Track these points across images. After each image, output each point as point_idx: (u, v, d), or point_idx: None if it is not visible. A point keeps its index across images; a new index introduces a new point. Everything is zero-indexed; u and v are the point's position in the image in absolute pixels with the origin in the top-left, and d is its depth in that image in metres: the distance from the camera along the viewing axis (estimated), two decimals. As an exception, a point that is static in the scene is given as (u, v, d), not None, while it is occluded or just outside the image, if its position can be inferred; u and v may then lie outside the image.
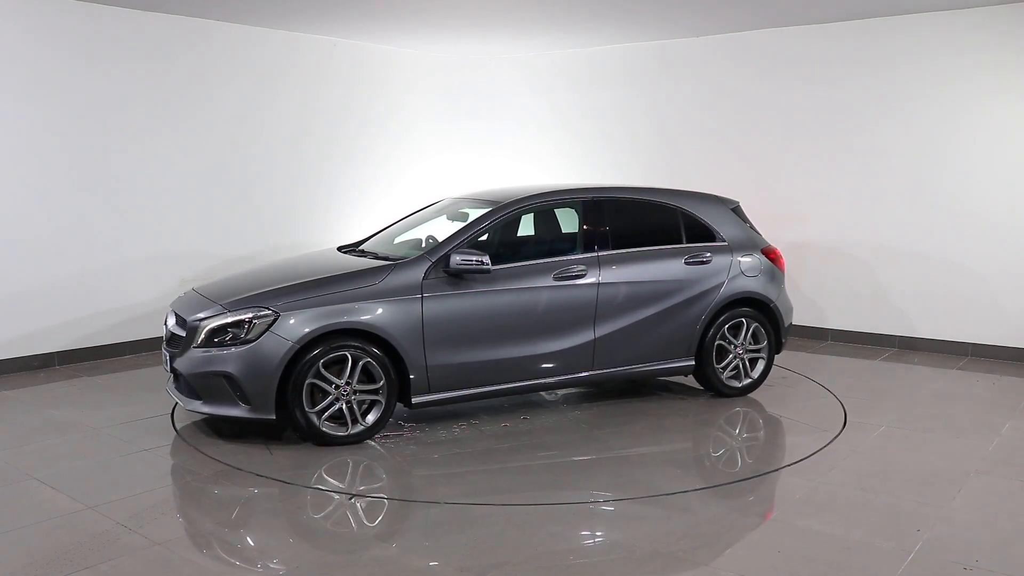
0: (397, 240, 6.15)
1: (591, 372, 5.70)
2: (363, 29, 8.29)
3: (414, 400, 5.22)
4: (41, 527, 3.96)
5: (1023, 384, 6.61)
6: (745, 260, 6.09)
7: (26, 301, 6.89)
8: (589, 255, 5.68)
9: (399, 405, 5.33)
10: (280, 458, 4.91)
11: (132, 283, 7.49)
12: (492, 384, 5.45)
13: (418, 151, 9.80)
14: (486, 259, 5.21)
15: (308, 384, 4.91)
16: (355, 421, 5.06)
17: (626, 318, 5.72)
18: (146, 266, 7.57)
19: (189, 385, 5.09)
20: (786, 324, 6.29)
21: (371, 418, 5.10)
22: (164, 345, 5.40)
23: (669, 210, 6.08)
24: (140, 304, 7.55)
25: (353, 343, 4.99)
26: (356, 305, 5.02)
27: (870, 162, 7.84)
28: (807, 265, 8.13)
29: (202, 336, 4.99)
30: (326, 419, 4.99)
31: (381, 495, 4.39)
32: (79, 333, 7.22)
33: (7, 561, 3.62)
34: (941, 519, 4.06)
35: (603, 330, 5.65)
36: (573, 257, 5.66)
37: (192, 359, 5.01)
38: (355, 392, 5.03)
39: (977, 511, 4.17)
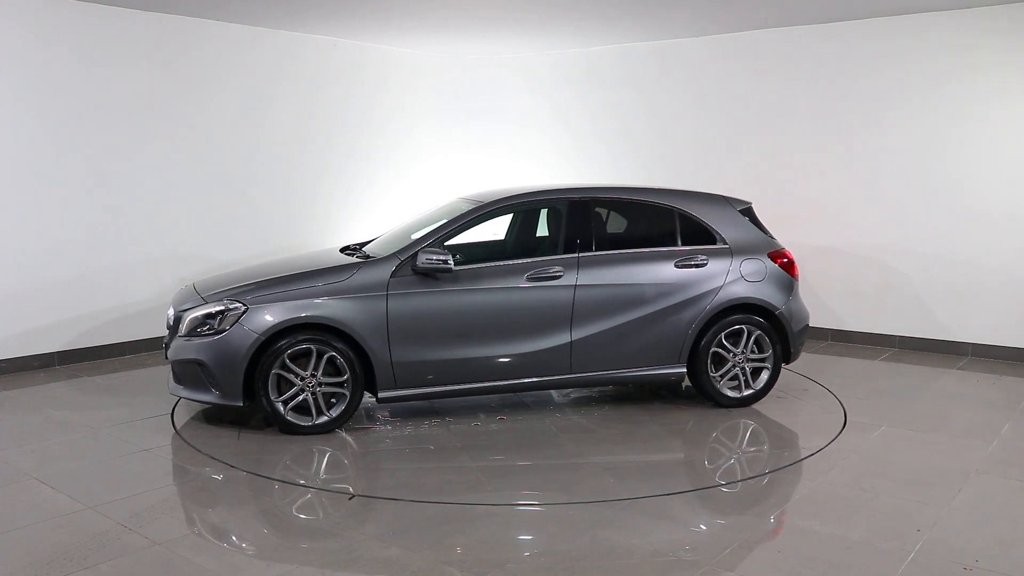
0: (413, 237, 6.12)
1: (569, 375, 5.60)
2: (363, 29, 8.30)
3: (380, 395, 5.38)
4: (41, 527, 3.96)
5: (1023, 384, 6.62)
6: (747, 264, 5.80)
7: (26, 301, 6.89)
8: (568, 256, 5.59)
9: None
10: (269, 451, 4.94)
11: (132, 283, 7.50)
12: (461, 383, 5.47)
13: (418, 151, 9.80)
14: (449, 259, 5.28)
15: (274, 375, 5.15)
16: (320, 412, 5.25)
17: (606, 321, 5.57)
18: (146, 266, 7.57)
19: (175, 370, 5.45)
20: (796, 333, 5.92)
21: (336, 410, 5.28)
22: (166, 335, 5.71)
23: (664, 211, 5.89)
24: (140, 304, 7.55)
25: (318, 337, 5.18)
26: (321, 300, 5.21)
27: (870, 162, 7.84)
28: (806, 265, 8.11)
29: (184, 326, 5.33)
30: (291, 408, 5.21)
31: (381, 495, 4.38)
32: (79, 333, 7.22)
33: (7, 561, 3.62)
34: (941, 519, 4.06)
35: (580, 333, 5.54)
36: (549, 258, 5.59)
37: (176, 347, 5.36)
38: (320, 384, 5.23)
39: (977, 511, 4.17)
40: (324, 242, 8.67)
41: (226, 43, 7.96)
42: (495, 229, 6.69)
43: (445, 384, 5.46)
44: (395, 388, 5.37)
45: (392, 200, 9.50)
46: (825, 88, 8.01)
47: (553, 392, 6.27)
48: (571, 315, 5.52)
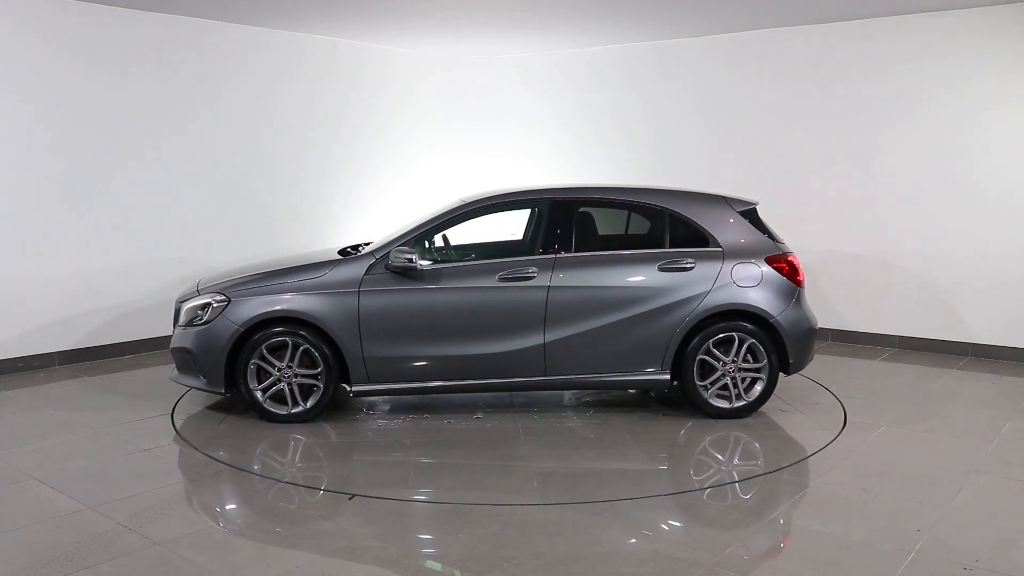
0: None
1: (544, 377, 5.53)
2: (363, 29, 8.30)
3: (354, 388, 5.52)
4: (41, 527, 3.96)
5: (1023, 384, 6.62)
6: (740, 269, 5.51)
7: (26, 301, 6.89)
8: (543, 257, 5.52)
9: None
10: (266, 449, 4.94)
11: (132, 283, 7.50)
12: (434, 380, 5.51)
13: (418, 151, 9.81)
14: (415, 257, 5.39)
15: (254, 364, 5.41)
16: (295, 402, 5.48)
17: (581, 324, 5.44)
18: (146, 266, 7.57)
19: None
20: (796, 343, 5.55)
21: (311, 401, 5.50)
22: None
23: (654, 211, 5.72)
24: (140, 304, 7.55)
25: (294, 330, 5.40)
26: (297, 296, 5.43)
27: (870, 162, 7.84)
28: (807, 266, 8.09)
29: (181, 316, 5.70)
30: (269, 397, 5.46)
31: (383, 495, 4.38)
32: (79, 333, 7.22)
33: (7, 561, 3.62)
34: (941, 519, 4.06)
35: (555, 335, 5.44)
36: (523, 259, 5.55)
37: (175, 335, 5.72)
38: (296, 376, 5.45)
39: (977, 511, 4.17)
40: (324, 242, 8.67)
41: (226, 43, 7.96)
42: (512, 229, 6.69)
43: (417, 380, 5.52)
44: (368, 382, 5.49)
45: (392, 200, 9.50)
46: (826, 88, 8.01)
47: (566, 393, 6.26)
48: (544, 316, 5.46)
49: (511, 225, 6.62)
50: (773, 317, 5.52)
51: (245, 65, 8.12)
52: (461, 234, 6.16)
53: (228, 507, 4.38)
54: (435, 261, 5.70)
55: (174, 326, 5.80)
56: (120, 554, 3.68)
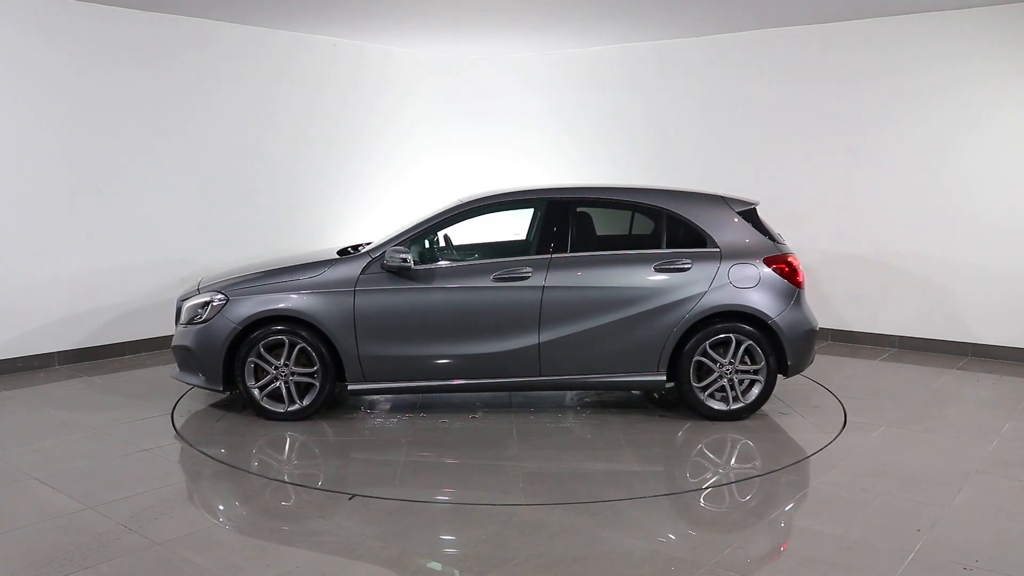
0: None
1: (539, 378, 5.51)
2: (363, 29, 8.30)
3: (349, 387, 5.55)
4: (41, 527, 3.96)
5: (1023, 384, 6.62)
6: (737, 269, 5.44)
7: (27, 301, 6.89)
8: (538, 257, 5.51)
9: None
10: (264, 448, 4.95)
11: (132, 283, 7.50)
12: (429, 379, 5.53)
13: (418, 151, 9.81)
14: (409, 257, 5.42)
15: (251, 362, 5.47)
16: (292, 400, 5.52)
17: (576, 324, 5.41)
18: (146, 267, 7.57)
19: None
20: (795, 345, 5.48)
21: (307, 399, 5.54)
22: None
23: (651, 211, 5.70)
24: (140, 304, 7.55)
25: (291, 329, 5.45)
26: (294, 295, 5.47)
27: (870, 162, 7.84)
28: (807, 266, 8.09)
29: (181, 314, 5.76)
30: (266, 395, 5.51)
31: (382, 495, 4.38)
32: (79, 333, 7.22)
33: (7, 561, 3.62)
34: (941, 519, 4.06)
35: (549, 335, 5.42)
36: (518, 259, 5.55)
37: (176, 333, 5.80)
38: (292, 374, 5.50)
39: (977, 511, 4.17)
40: (324, 242, 8.67)
41: (226, 43, 7.96)
42: (516, 228, 6.69)
43: (412, 380, 5.53)
44: (364, 381, 5.52)
45: (392, 200, 9.50)
46: (826, 88, 8.00)
47: (565, 394, 6.25)
48: (539, 317, 5.44)
49: (515, 225, 6.63)
50: (771, 318, 5.45)
51: (245, 65, 8.12)
52: (464, 234, 6.17)
53: (228, 507, 4.38)
54: (431, 261, 5.71)
55: (176, 324, 5.86)
56: (120, 554, 3.68)
